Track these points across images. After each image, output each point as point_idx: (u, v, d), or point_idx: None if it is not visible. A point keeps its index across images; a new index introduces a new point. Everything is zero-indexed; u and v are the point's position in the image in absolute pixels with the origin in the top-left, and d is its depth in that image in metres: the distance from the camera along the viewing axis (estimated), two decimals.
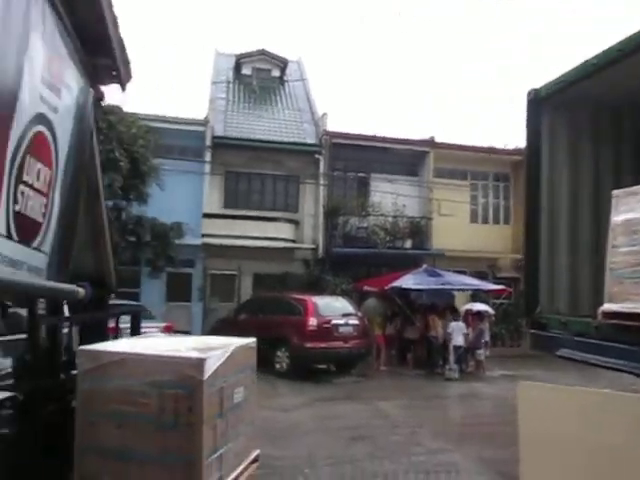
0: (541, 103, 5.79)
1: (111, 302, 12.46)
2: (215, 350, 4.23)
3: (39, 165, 1.47)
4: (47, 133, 1.50)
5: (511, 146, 19.65)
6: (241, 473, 4.52)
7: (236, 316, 13.54)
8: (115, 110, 12.86)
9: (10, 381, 4.42)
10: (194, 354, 4.08)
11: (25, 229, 1.44)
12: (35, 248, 1.52)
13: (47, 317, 4.38)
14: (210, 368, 3.90)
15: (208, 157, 17.40)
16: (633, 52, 4.60)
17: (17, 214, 1.36)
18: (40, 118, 1.43)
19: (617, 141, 5.94)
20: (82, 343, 4.67)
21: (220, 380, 4.18)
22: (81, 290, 1.78)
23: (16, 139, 1.34)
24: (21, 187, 1.36)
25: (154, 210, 14.38)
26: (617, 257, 4.39)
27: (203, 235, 16.80)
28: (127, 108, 13.52)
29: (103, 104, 12.67)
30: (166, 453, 3.67)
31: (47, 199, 1.55)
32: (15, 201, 1.34)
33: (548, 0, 47.59)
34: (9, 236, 1.36)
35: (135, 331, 5.51)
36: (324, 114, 19.19)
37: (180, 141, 16.96)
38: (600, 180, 5.78)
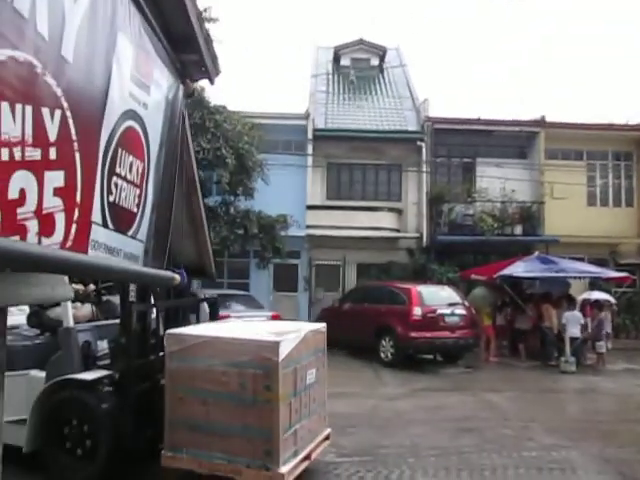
0: None
1: (220, 292, 13.12)
2: (289, 334, 4.62)
3: (131, 158, 1.57)
4: (138, 128, 1.60)
5: (634, 121, 18.02)
6: (314, 449, 4.83)
7: (340, 305, 13.68)
8: (220, 109, 13.48)
9: (107, 361, 4.97)
10: (270, 337, 4.44)
11: (120, 218, 1.54)
12: (131, 236, 1.63)
13: (138, 304, 4.85)
14: (285, 350, 4.28)
15: (310, 150, 17.66)
16: None
17: (112, 204, 1.47)
18: (130, 114, 1.53)
19: None
20: (168, 327, 5.09)
21: (294, 362, 4.48)
22: (177, 276, 1.88)
23: (107, 134, 1.44)
24: (114, 179, 1.47)
25: (260, 203, 14.92)
26: None
27: (307, 226, 17.14)
28: (232, 107, 14.12)
29: (210, 104, 13.36)
30: (247, 427, 4.12)
31: (141, 190, 1.65)
32: (109, 192, 1.45)
33: None
34: (105, 225, 1.47)
35: (214, 317, 6.04)
36: (425, 100, 18.75)
37: (283, 135, 17.37)
38: None
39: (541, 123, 18.00)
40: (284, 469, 4.08)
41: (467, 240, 16.87)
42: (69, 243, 1.36)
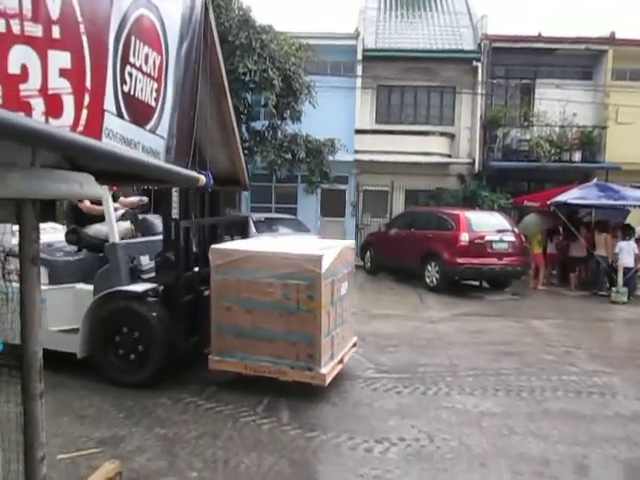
0: None
1: (267, 215, 13.46)
2: (328, 249, 4.85)
3: (147, 49, 1.53)
4: (152, 17, 1.55)
5: None
6: (346, 353, 5.30)
7: (387, 230, 13.64)
8: (267, 29, 13.10)
9: (149, 275, 5.25)
10: (313, 252, 4.80)
11: (137, 110, 1.53)
12: (150, 130, 1.62)
13: (183, 220, 5.10)
14: (326, 264, 4.60)
15: (359, 71, 17.10)
16: None
17: (126, 94, 1.45)
18: (142, 1, 1.48)
19: None
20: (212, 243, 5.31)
21: (332, 274, 4.83)
22: (202, 177, 1.88)
23: (118, 20, 1.41)
24: (128, 68, 1.44)
25: (308, 127, 14.72)
26: None
27: (356, 151, 16.90)
28: (278, 27, 13.68)
29: (256, 24, 12.98)
30: (290, 333, 4.55)
31: (159, 84, 1.62)
32: (123, 81, 1.43)
33: None
34: (120, 115, 1.46)
35: (245, 236, 6.40)
36: (483, 16, 17.56)
37: (331, 56, 16.82)
38: None
39: (610, 40, 16.69)
40: (324, 370, 4.59)
41: (521, 166, 16.28)
42: (80, 128, 1.36)
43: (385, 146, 16.61)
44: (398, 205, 17.26)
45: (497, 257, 11.08)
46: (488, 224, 11.48)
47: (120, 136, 1.43)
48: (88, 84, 1.32)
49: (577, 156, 16.39)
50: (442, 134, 17.25)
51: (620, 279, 10.91)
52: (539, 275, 12.44)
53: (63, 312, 5.09)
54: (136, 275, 5.17)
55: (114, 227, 5.16)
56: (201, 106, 1.83)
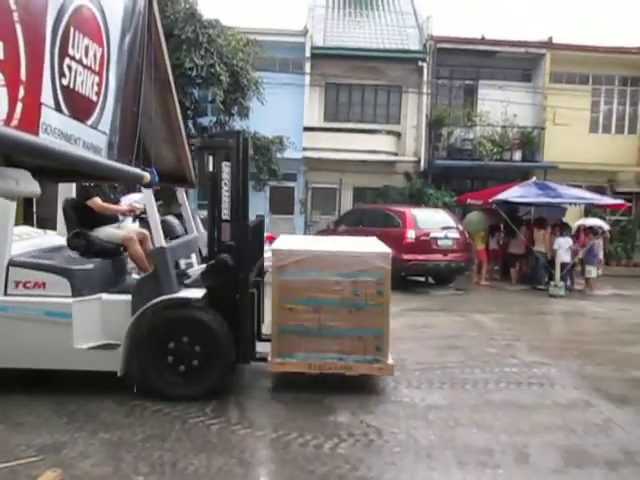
0: None
1: None
2: (380, 247, 5.23)
3: (87, 41, 1.48)
4: (93, 8, 1.50)
5: None
6: None
7: (335, 228, 13.73)
8: (214, 23, 12.89)
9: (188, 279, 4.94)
10: (377, 249, 5.20)
11: (77, 105, 1.47)
12: (91, 126, 1.56)
13: (234, 222, 4.86)
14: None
15: (308, 69, 17.11)
16: None
17: (65, 88, 1.39)
18: None
19: None
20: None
21: None
22: (147, 174, 1.83)
23: (56, 10, 1.35)
24: (67, 60, 1.38)
25: (256, 124, 14.60)
26: None
27: (304, 149, 16.91)
28: (225, 21, 13.49)
29: (202, 18, 12.75)
30: (358, 328, 4.81)
31: (100, 78, 1.57)
32: (62, 74, 1.37)
33: None
34: (58, 109, 1.40)
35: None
36: (428, 17, 17.93)
37: (280, 53, 16.73)
38: None
39: (548, 44, 17.39)
40: (391, 361, 4.92)
41: (465, 165, 16.74)
42: (14, 122, 1.30)
43: (333, 144, 16.71)
44: (346, 202, 17.40)
45: (442, 253, 11.36)
46: (433, 221, 11.75)
47: (59, 131, 1.36)
48: (23, 76, 1.26)
49: (517, 155, 17.01)
50: (389, 132, 17.50)
51: (558, 274, 11.41)
52: (482, 270, 12.83)
53: (90, 327, 4.60)
54: (181, 280, 4.83)
55: (159, 230, 4.76)
56: (145, 101, 1.77)
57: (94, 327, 4.61)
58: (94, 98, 1.49)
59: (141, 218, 5.31)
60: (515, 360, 6.33)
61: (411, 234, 11.16)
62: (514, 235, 12.79)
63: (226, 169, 4.83)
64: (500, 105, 17.00)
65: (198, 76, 12.61)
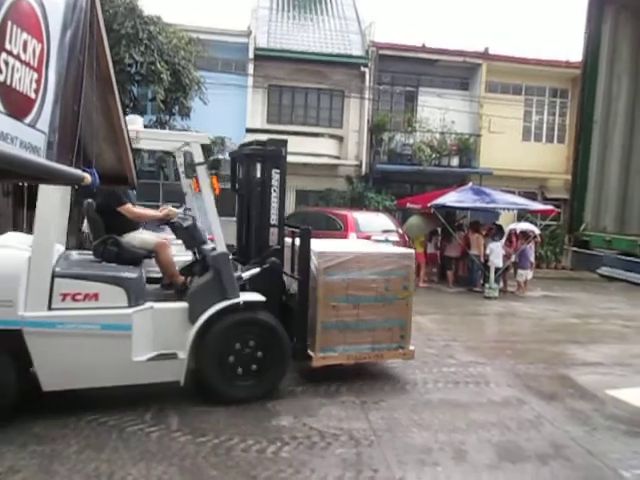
0: (604, 4, 5.26)
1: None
2: (400, 248, 6.48)
3: (25, 36, 1.41)
4: (32, 2, 1.44)
5: (572, 59, 18.32)
6: None
7: None
8: (155, 20, 12.61)
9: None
10: (400, 250, 6.25)
11: (14, 102, 1.40)
12: (29, 125, 1.49)
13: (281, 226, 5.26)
14: None
15: (251, 70, 17.00)
16: None
17: (2, 85, 1.33)
18: None
19: None
20: None
21: None
22: (87, 176, 1.77)
23: None
24: (4, 56, 1.32)
25: (197, 124, 14.31)
26: None
27: None
28: (167, 19, 13.22)
29: (143, 13, 12.44)
30: (388, 320, 5.48)
31: (40, 75, 1.50)
32: None
33: None
34: None
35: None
36: (371, 23, 18.24)
37: (223, 53, 16.55)
38: None
39: (484, 55, 18.08)
40: (412, 347, 5.65)
41: (405, 170, 17.11)
42: None
43: None
44: (289, 205, 17.37)
45: None
46: (374, 225, 11.93)
47: None
48: None
49: (455, 161, 17.56)
50: (331, 136, 17.64)
51: (492, 276, 11.86)
52: (420, 273, 13.14)
53: (147, 338, 4.42)
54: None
55: (220, 235, 4.80)
56: (86, 99, 1.71)
57: (148, 338, 4.42)
58: (32, 95, 1.42)
59: (171, 224, 5.14)
60: (453, 360, 6.54)
61: (353, 237, 11.28)
62: (451, 239, 13.19)
63: (275, 176, 5.20)
64: (439, 112, 17.51)
65: (138, 73, 12.29)
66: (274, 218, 5.19)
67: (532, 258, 13.17)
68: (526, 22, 44.34)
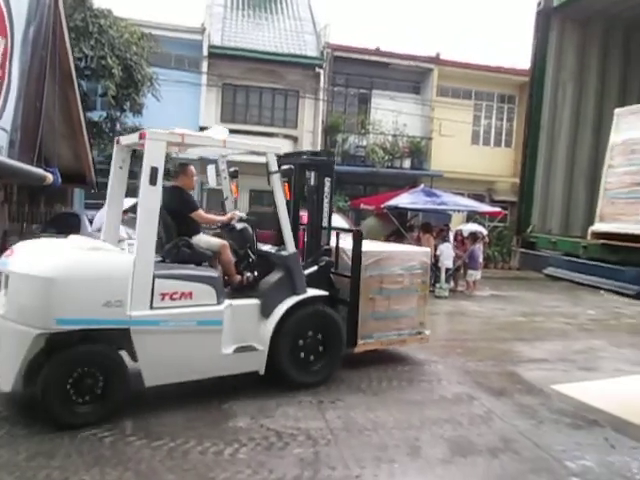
0: (551, 15, 5.49)
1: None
2: (416, 247, 7.54)
3: None
4: None
5: (520, 67, 18.99)
6: None
7: None
8: (106, 13, 12.30)
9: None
10: (420, 249, 7.21)
11: None
12: None
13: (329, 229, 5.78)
14: None
15: (205, 68, 16.80)
16: None
17: None
18: None
19: (625, 61, 5.68)
20: None
21: None
22: (49, 175, 1.73)
23: None
24: None
25: (150, 121, 13.99)
26: (613, 177, 4.31)
27: None
28: (119, 12, 12.91)
29: (93, 6, 12.10)
30: (410, 309, 6.37)
31: (2, 71, 1.46)
32: None
33: None
34: None
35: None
36: (326, 25, 18.34)
37: (176, 50, 16.31)
38: (605, 101, 5.58)
39: (435, 60, 18.48)
40: (427, 332, 6.57)
41: (358, 171, 17.30)
42: None
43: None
44: (243, 204, 17.23)
45: None
46: None
47: None
48: None
49: (407, 163, 17.91)
50: (286, 136, 17.61)
51: (443, 276, 12.14)
52: None
53: (232, 331, 4.87)
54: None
55: (291, 233, 5.22)
56: (47, 95, 1.67)
57: (233, 331, 4.87)
58: None
59: (228, 227, 5.60)
60: (407, 359, 6.67)
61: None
62: (403, 240, 13.40)
63: (327, 183, 5.82)
64: (392, 115, 17.82)
65: (87, 67, 11.95)
66: (325, 221, 5.82)
67: (481, 259, 13.55)
68: (478, 29, 45.58)
